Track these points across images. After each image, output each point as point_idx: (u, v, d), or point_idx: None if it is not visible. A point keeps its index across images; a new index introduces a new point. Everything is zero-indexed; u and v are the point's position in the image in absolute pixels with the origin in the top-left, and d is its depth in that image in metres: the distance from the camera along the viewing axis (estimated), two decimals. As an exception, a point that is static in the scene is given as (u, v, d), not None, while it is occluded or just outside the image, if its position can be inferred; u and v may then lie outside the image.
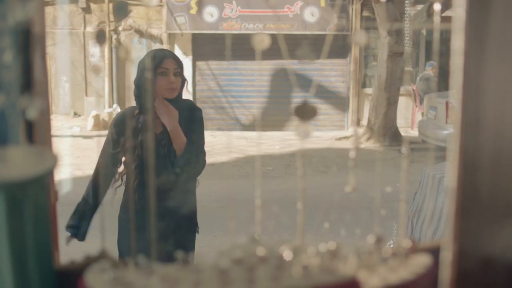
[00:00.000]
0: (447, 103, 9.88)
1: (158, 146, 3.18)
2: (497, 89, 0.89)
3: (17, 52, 1.00)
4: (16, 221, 0.84)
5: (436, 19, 0.97)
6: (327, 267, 0.90)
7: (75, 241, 3.17)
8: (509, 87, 0.89)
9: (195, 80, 15.37)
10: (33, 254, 0.88)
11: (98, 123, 14.28)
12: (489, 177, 0.91)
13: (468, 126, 0.89)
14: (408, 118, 14.49)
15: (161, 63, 3.13)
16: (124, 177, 3.26)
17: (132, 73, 15.17)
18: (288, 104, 14.70)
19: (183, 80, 3.25)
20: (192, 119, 3.27)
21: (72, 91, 15.84)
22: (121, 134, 3.22)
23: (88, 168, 10.17)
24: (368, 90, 15.08)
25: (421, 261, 0.94)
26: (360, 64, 15.54)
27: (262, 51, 0.97)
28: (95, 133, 13.87)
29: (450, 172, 0.90)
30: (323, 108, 14.96)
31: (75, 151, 11.64)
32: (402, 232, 1.03)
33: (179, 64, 3.22)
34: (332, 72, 15.35)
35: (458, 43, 0.87)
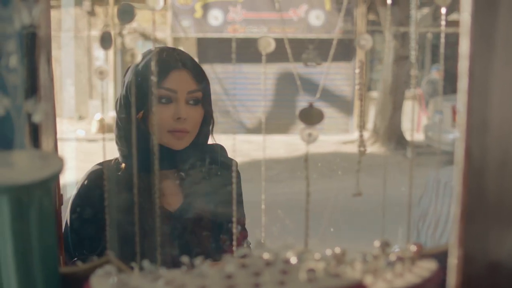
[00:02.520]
0: (453, 107, 9.87)
1: (173, 232, 1.71)
2: (503, 92, 0.88)
3: (22, 55, 1.00)
4: (21, 224, 0.84)
5: (442, 22, 0.97)
6: (333, 271, 0.89)
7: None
8: (516, 91, 0.89)
9: (200, 83, 15.37)
10: (38, 258, 0.88)
11: (103, 127, 14.31)
12: (495, 180, 0.90)
13: (474, 130, 0.88)
14: (414, 122, 14.47)
15: (163, 79, 1.67)
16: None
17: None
18: (293, 107, 14.69)
19: (208, 112, 1.77)
20: (223, 182, 1.78)
21: (77, 95, 15.88)
22: (97, 209, 1.51)
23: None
24: (374, 94, 15.08)
25: (427, 266, 0.94)
26: (365, 68, 15.53)
27: (267, 55, 0.97)
28: (99, 136, 13.89)
29: (455, 176, 0.90)
30: (328, 111, 14.96)
31: (79, 154, 11.66)
32: (408, 236, 1.02)
33: (200, 80, 1.73)
34: (337, 76, 15.34)
35: (465, 46, 0.87)
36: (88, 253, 1.60)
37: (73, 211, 1.74)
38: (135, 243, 1.04)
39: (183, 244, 1.71)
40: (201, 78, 1.72)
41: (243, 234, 1.83)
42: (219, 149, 1.86)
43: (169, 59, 1.70)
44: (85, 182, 1.75)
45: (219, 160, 1.82)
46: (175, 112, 1.66)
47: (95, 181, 1.71)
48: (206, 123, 1.77)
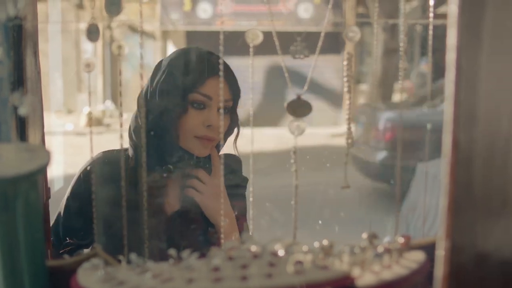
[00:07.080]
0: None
1: (171, 236, 1.62)
2: (491, 83, 0.88)
3: (9, 48, 0.99)
4: (7, 218, 0.83)
5: (430, 14, 0.98)
6: (321, 263, 0.89)
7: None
8: (503, 81, 0.89)
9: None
10: (25, 251, 0.87)
11: (91, 120, 14.25)
12: (483, 172, 0.90)
13: (461, 121, 0.88)
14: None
15: (201, 84, 1.57)
16: None
17: (125, 69, 15.12)
18: (282, 100, 14.60)
19: (233, 122, 1.69)
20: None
21: (64, 88, 15.81)
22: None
23: (81, 166, 10.14)
24: (363, 87, 15.09)
25: (415, 257, 0.94)
26: (354, 60, 15.51)
27: (256, 48, 0.96)
28: (88, 130, 13.84)
29: (443, 168, 0.90)
30: (317, 104, 14.95)
31: (68, 148, 11.61)
32: (397, 228, 1.03)
33: (235, 90, 1.66)
34: (326, 69, 15.33)
35: (452, 38, 0.87)
36: (78, 241, 1.60)
37: (72, 195, 1.69)
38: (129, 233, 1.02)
39: (172, 237, 1.63)
40: (235, 88, 1.66)
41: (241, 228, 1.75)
42: (234, 161, 1.77)
43: (209, 63, 1.62)
44: (88, 168, 1.70)
45: (232, 169, 1.74)
46: (207, 119, 1.58)
47: (99, 167, 1.64)
48: (230, 132, 1.70)
